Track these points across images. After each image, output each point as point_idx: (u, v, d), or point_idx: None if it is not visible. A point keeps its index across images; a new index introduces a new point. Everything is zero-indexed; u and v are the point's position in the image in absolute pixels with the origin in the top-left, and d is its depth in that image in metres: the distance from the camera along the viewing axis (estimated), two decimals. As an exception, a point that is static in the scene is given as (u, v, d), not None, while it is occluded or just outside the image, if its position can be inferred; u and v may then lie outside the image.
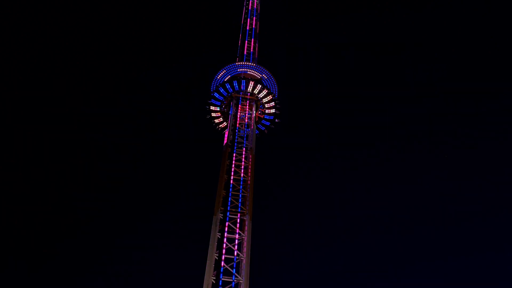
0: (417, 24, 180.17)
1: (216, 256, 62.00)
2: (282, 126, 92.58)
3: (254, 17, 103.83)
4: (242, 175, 72.59)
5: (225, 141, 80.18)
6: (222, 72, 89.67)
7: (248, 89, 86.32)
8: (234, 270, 61.38)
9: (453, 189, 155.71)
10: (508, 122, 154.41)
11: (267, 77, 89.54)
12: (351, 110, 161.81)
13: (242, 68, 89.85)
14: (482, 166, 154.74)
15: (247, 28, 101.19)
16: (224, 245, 63.27)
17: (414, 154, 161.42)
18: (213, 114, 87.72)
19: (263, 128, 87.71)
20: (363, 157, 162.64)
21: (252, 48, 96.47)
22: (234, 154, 75.33)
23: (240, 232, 65.08)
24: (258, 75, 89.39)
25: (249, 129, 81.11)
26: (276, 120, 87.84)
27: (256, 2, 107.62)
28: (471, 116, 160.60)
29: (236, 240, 64.28)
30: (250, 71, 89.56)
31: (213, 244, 62.82)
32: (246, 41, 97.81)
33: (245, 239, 64.39)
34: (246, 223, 66.18)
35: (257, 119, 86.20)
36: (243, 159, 75.03)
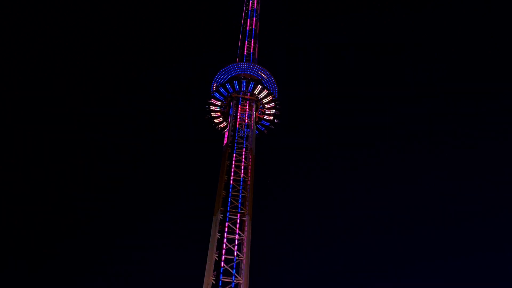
0: (417, 24, 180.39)
1: (216, 256, 62.02)
2: (282, 126, 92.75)
3: (254, 18, 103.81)
4: (242, 175, 72.59)
5: (225, 142, 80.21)
6: (222, 72, 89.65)
7: (248, 90, 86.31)
8: (234, 270, 61.38)
9: (453, 189, 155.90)
10: (508, 122, 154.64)
11: (267, 77, 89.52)
12: (351, 110, 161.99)
13: (242, 68, 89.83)
14: (482, 166, 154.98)
15: (247, 29, 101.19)
16: (224, 245, 63.28)
17: (414, 154, 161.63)
18: (213, 114, 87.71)
19: (262, 129, 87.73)
20: (363, 157, 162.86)
21: (252, 48, 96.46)
22: (234, 155, 75.33)
23: (240, 233, 65.07)
24: (258, 75, 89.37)
25: (249, 129, 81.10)
26: (276, 121, 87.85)
27: (256, 2, 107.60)
28: (471, 116, 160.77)
29: (236, 241, 64.28)
30: (250, 71, 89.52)
31: (213, 245, 62.86)
32: (246, 41, 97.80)
33: (245, 240, 64.39)
34: (246, 223, 66.18)
35: (257, 119, 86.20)
36: (243, 160, 75.03)
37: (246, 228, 65.52)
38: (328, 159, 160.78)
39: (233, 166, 73.59)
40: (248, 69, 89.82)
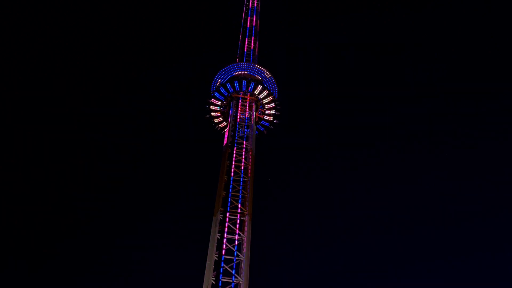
0: (417, 24, 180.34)
1: (216, 256, 62.03)
2: (282, 126, 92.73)
3: (254, 16, 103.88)
4: (242, 175, 72.58)
5: (225, 142, 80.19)
6: (222, 72, 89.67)
7: (249, 90, 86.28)
8: (233, 270, 61.39)
9: (453, 189, 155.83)
10: (508, 122, 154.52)
11: (268, 78, 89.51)
12: (351, 110, 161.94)
13: (243, 68, 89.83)
14: (482, 166, 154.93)
15: (247, 26, 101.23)
16: (224, 245, 63.29)
17: (414, 154, 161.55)
18: (213, 114, 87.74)
19: (262, 129, 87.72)
20: (363, 157, 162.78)
21: (252, 46, 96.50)
22: (234, 155, 75.32)
23: (240, 233, 65.06)
24: (258, 75, 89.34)
25: (248, 129, 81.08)
26: (275, 121, 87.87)
27: (256, 2, 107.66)
28: (471, 116, 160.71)
29: (236, 241, 64.29)
30: (251, 71, 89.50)
31: (212, 245, 62.86)
32: (247, 39, 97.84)
33: (245, 240, 64.40)
34: (246, 223, 66.19)
35: (257, 120, 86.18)
36: (243, 160, 75.01)
37: (246, 229, 65.53)
38: (328, 159, 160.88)
39: (233, 166, 73.60)
40: (248, 69, 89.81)
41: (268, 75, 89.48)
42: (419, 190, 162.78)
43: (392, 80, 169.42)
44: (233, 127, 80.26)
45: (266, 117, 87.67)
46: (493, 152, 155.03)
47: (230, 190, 70.01)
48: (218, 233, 64.60)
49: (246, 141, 78.70)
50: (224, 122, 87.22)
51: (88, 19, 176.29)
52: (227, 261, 62.07)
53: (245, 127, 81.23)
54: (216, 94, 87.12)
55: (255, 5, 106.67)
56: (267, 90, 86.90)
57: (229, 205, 67.71)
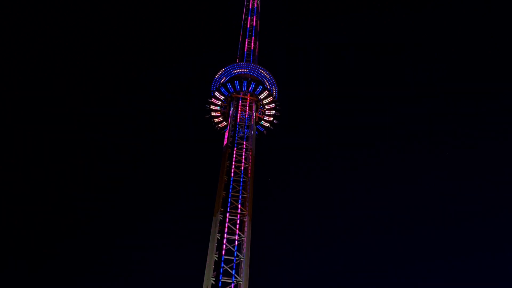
0: (417, 24, 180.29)
1: (216, 257, 62.06)
2: (282, 126, 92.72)
3: (255, 16, 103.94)
4: (242, 176, 72.59)
5: (225, 142, 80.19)
6: (223, 71, 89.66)
7: (249, 90, 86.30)
8: (233, 271, 61.43)
9: (453, 189, 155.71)
10: (508, 122, 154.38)
11: (268, 78, 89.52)
12: (351, 110, 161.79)
13: (243, 68, 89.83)
14: (482, 166, 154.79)
15: (247, 27, 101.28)
16: (224, 246, 63.32)
17: (414, 154, 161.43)
18: (213, 114, 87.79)
19: (262, 129, 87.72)
20: (363, 157, 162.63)
21: (252, 46, 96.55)
22: (234, 155, 75.34)
23: (240, 233, 65.10)
24: (258, 75, 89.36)
25: (248, 129, 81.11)
26: (275, 121, 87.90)
27: (257, 2, 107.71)
28: (471, 116, 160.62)
29: (236, 241, 64.32)
30: (251, 72, 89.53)
31: (212, 245, 62.88)
32: (247, 39, 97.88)
33: (245, 240, 64.43)
34: (246, 224, 66.23)
35: (257, 120, 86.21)
36: (243, 160, 75.03)
37: (246, 229, 65.57)
38: (328, 159, 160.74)
39: (233, 166, 73.63)
40: (248, 69, 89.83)
41: (268, 75, 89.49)
42: (419, 190, 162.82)
43: (392, 80, 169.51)
44: (233, 127, 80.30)
45: (266, 117, 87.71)
46: (493, 152, 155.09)
47: (230, 190, 70.06)
48: (218, 233, 64.64)
49: (246, 141, 78.73)
50: (224, 122, 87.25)
51: (88, 19, 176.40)
52: (227, 262, 62.12)
53: (245, 127, 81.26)
54: (217, 94, 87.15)
55: (255, 5, 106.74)
56: (267, 90, 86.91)
57: (229, 205, 67.77)
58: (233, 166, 73.62)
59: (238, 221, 66.37)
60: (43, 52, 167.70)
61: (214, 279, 60.07)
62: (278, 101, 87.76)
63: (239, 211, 67.64)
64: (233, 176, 72.33)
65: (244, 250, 63.36)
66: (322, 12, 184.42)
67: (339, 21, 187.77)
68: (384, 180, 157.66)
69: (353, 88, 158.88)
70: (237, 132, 79.70)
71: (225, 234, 64.56)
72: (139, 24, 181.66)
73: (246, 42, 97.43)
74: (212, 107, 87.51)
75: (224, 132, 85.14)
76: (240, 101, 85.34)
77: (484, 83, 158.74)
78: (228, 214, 66.70)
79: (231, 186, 70.62)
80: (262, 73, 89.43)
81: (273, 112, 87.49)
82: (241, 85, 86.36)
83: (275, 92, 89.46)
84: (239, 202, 68.75)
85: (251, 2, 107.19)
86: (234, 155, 75.25)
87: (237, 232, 65.12)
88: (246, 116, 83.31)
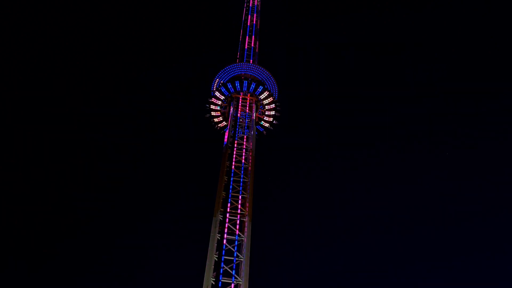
0: (417, 24, 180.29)
1: (216, 257, 62.03)
2: (282, 126, 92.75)
3: (255, 14, 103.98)
4: (242, 176, 72.56)
5: (225, 142, 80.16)
6: (223, 72, 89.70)
7: (249, 90, 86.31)
8: (233, 271, 61.38)
9: (453, 189, 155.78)
10: (508, 122, 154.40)
11: (268, 78, 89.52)
12: (351, 110, 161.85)
13: (243, 68, 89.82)
14: (482, 166, 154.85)
15: (248, 25, 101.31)
16: (224, 246, 63.30)
17: (414, 154, 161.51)
18: (213, 113, 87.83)
19: (261, 130, 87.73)
20: (363, 157, 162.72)
21: (253, 44, 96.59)
22: (234, 155, 75.31)
23: (240, 234, 65.06)
24: (259, 76, 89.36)
25: (248, 130, 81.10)
26: (274, 122, 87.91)
27: (257, 1, 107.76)
28: (471, 116, 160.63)
29: (236, 242, 64.29)
30: (251, 72, 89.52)
31: (212, 246, 62.82)
32: (247, 37, 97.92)
33: (245, 241, 64.38)
34: (246, 224, 66.17)
35: (256, 120, 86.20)
36: (243, 161, 75.01)
37: (246, 229, 65.52)
38: (328, 159, 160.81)
39: (233, 167, 73.61)
40: (249, 69, 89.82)
41: (268, 75, 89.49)
42: (419, 190, 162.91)
43: (392, 80, 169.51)
44: (233, 128, 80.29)
45: (266, 118, 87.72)
46: (493, 152, 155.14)
47: (230, 190, 70.01)
48: (218, 233, 64.55)
49: (246, 141, 78.71)
50: (224, 122, 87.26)
51: (88, 19, 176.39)
52: (227, 262, 62.06)
53: (245, 127, 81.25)
54: (217, 94, 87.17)
55: (256, 3, 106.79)
56: (268, 90, 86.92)
57: (229, 205, 67.73)
58: (233, 166, 73.60)
59: (238, 222, 66.31)
60: (43, 52, 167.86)
61: (214, 279, 60.00)
62: (278, 102, 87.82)
63: (239, 211, 67.58)
64: (233, 177, 72.28)
65: (244, 251, 63.28)
66: (322, 12, 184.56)
67: (339, 21, 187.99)
68: (384, 180, 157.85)
69: (353, 88, 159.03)
70: (237, 132, 79.69)
71: (225, 235, 64.51)
72: (139, 24, 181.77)
73: (247, 40, 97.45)
74: (212, 106, 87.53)
75: (224, 132, 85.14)
76: (240, 101, 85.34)
77: (484, 83, 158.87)
78: (228, 215, 66.63)
79: (231, 187, 70.57)
80: (263, 73, 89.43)
81: (273, 112, 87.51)
82: (241, 85, 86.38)
83: (275, 93, 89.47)
84: (239, 202, 68.69)
85: (251, 1, 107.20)
86: (234, 155, 75.22)
87: (237, 233, 65.05)
88: (246, 116, 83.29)
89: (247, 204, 68.53)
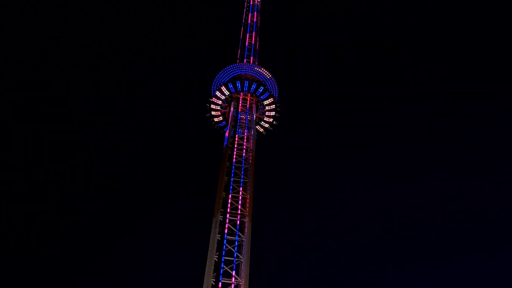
0: (417, 24, 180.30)
1: (216, 257, 62.03)
2: (282, 127, 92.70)
3: (255, 13, 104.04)
4: (242, 177, 72.56)
5: (225, 143, 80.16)
6: (223, 71, 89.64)
7: (250, 90, 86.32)
8: (233, 272, 61.40)
9: (453, 189, 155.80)
10: (508, 122, 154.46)
11: (268, 78, 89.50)
12: (351, 110, 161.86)
13: (244, 69, 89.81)
14: (482, 166, 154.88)
15: (249, 23, 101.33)
16: (224, 246, 63.30)
17: (414, 154, 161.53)
18: (213, 113, 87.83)
19: (261, 130, 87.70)
20: (363, 157, 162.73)
21: (253, 41, 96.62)
22: (234, 156, 75.31)
23: (240, 234, 65.06)
24: (259, 76, 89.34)
25: (249, 130, 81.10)
26: (274, 122, 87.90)
27: (257, 0, 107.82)
28: (471, 116, 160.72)
29: (236, 242, 64.29)
30: (251, 72, 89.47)
31: (213, 246, 62.83)
32: (248, 35, 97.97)
33: (245, 241, 64.38)
34: (246, 224, 66.17)
35: (257, 120, 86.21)
36: (243, 161, 75.01)
37: (246, 230, 65.53)
38: (328, 159, 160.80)
39: (233, 167, 73.59)
40: (249, 69, 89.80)
41: (268, 75, 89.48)
42: (419, 190, 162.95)
43: (392, 80, 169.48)
44: (234, 128, 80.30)
45: (266, 118, 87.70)
46: (493, 152, 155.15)
47: (230, 191, 70.03)
48: (218, 234, 64.58)
49: (246, 142, 78.70)
50: (224, 122, 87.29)
51: (88, 19, 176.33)
52: (227, 262, 62.09)
53: (245, 127, 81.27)
54: (217, 94, 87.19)
55: (256, 2, 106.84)
56: (268, 91, 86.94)
57: (229, 206, 67.74)
58: (233, 167, 73.59)
59: (238, 222, 66.33)
60: (43, 52, 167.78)
61: (214, 279, 60.02)
62: (279, 103, 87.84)
63: (239, 211, 67.60)
64: (233, 177, 72.29)
65: (244, 251, 63.31)
66: (322, 12, 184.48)
67: (339, 21, 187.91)
68: (384, 180, 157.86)
69: (353, 88, 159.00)
70: (237, 132, 79.71)
71: (225, 235, 64.53)
72: (139, 24, 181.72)
73: (247, 36, 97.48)
74: (213, 106, 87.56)
75: (224, 132, 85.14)
76: (240, 101, 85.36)
77: (484, 83, 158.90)
78: (228, 215, 66.66)
79: (231, 187, 70.59)
80: (263, 73, 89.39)
81: (273, 113, 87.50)
82: (242, 85, 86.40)
83: (275, 93, 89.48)
84: (239, 202, 68.71)
85: (251, 0, 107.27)
86: (234, 156, 75.21)
87: (237, 233, 65.08)
88: (246, 116, 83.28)
89: (247, 205, 68.52)
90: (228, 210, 67.09)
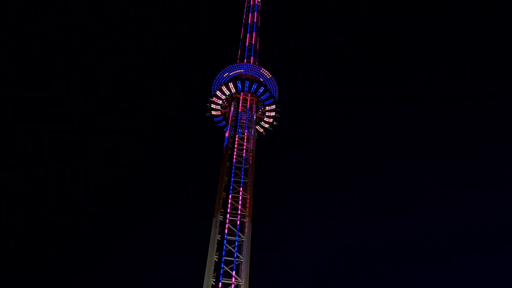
0: (417, 24, 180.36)
1: (216, 258, 62.02)
2: (282, 127, 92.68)
3: (256, 12, 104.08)
4: (242, 177, 72.54)
5: (225, 143, 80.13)
6: (223, 71, 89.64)
7: (250, 91, 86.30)
8: (234, 272, 61.38)
9: (453, 189, 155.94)
10: (508, 122, 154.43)
11: (268, 78, 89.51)
12: (351, 110, 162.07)
13: (244, 69, 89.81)
14: (482, 166, 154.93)
15: (249, 22, 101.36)
16: (224, 247, 63.29)
17: (414, 154, 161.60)
18: (213, 113, 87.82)
19: (261, 130, 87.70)
20: (363, 157, 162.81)
21: (253, 41, 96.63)
22: (235, 156, 75.29)
23: (240, 234, 65.04)
24: (259, 76, 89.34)
25: (249, 130, 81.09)
26: (274, 123, 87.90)
27: (257, 0, 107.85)
28: (471, 116, 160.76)
29: (236, 242, 64.27)
30: (252, 72, 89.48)
31: (213, 246, 62.82)
32: (248, 34, 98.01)
33: (245, 241, 64.36)
34: (246, 225, 66.15)
35: (257, 120, 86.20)
36: (243, 161, 74.99)
37: (246, 230, 65.51)
38: (328, 159, 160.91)
39: (233, 167, 73.56)
40: (249, 69, 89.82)
41: (269, 76, 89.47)
42: (419, 190, 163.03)
43: (392, 80, 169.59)
44: (234, 128, 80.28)
45: (266, 118, 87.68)
46: (493, 152, 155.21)
47: (231, 191, 70.01)
48: (218, 234, 64.56)
49: (246, 142, 78.69)
50: (224, 122, 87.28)
51: (88, 19, 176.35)
52: (227, 263, 62.05)
53: (246, 128, 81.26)
54: (218, 94, 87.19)
55: (256, 2, 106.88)
56: (268, 91, 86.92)
57: (229, 206, 67.72)
58: (233, 167, 73.56)
59: (238, 222, 66.31)
60: (43, 52, 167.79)
61: (214, 280, 59.99)
62: (279, 103, 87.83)
63: (239, 212, 67.57)
64: (234, 177, 72.27)
65: (244, 251, 63.29)
66: (322, 12, 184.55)
67: (339, 21, 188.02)
68: (384, 180, 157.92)
69: (353, 88, 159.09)
70: (237, 132, 79.70)
71: (225, 235, 64.51)
72: (139, 24, 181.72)
73: (248, 35, 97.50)
74: (213, 106, 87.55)
75: (224, 132, 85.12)
76: (240, 101, 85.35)
77: (484, 83, 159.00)
78: (228, 215, 66.64)
79: (231, 187, 70.57)
80: (264, 74, 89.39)
81: (273, 113, 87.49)
82: (242, 85, 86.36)
83: (276, 93, 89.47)
84: (239, 203, 68.69)
85: (251, 0, 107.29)
86: (234, 156, 75.19)
87: (237, 233, 65.06)
88: (246, 116, 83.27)
89: (247, 205, 68.50)
90: (228, 210, 67.06)
